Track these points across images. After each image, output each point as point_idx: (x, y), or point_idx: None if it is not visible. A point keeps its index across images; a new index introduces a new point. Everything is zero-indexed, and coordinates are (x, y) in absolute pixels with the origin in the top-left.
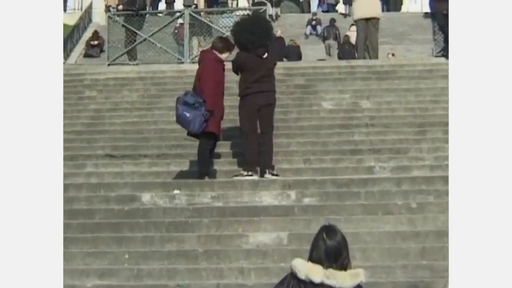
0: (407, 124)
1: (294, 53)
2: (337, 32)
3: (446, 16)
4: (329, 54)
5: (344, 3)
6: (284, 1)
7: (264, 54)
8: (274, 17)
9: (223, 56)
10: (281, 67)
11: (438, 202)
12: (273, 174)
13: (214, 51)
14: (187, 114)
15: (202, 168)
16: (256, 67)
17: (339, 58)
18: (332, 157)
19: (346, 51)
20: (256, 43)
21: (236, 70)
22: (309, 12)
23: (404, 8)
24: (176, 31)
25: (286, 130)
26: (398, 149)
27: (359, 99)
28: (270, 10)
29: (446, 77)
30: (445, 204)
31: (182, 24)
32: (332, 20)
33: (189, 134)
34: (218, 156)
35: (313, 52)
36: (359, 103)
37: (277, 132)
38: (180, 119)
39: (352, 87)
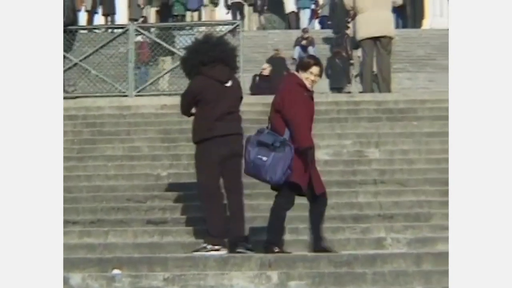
0: (429, 181)
1: (279, 66)
2: (347, 44)
3: None
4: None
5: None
6: (265, 12)
7: (227, 80)
8: (262, 26)
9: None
10: (258, 102)
11: None
12: (247, 248)
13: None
14: (264, 158)
15: (273, 236)
16: (218, 97)
17: (327, 76)
18: (328, 225)
19: (337, 66)
20: (212, 55)
21: (187, 106)
22: (298, 28)
23: (426, 24)
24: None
25: (265, 188)
26: (417, 215)
27: (365, 146)
28: (243, 25)
29: None
30: None
31: (142, 41)
32: (344, 27)
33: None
34: (174, 223)
35: None
36: (365, 152)
37: (253, 192)
38: (254, 166)
39: (356, 131)
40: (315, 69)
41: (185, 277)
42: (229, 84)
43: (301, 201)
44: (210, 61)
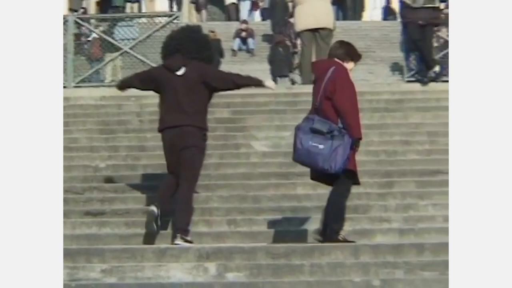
0: (368, 173)
1: (215, 48)
2: (291, 32)
3: (422, 27)
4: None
5: None
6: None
7: (178, 68)
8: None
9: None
10: None
11: (409, 278)
12: (186, 240)
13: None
14: (320, 146)
15: (338, 225)
16: (169, 86)
17: (270, 64)
18: (266, 217)
19: (279, 54)
20: (170, 48)
21: (129, 79)
22: (238, 19)
23: (366, 16)
24: (85, 46)
25: (205, 180)
26: (355, 206)
27: None
28: (186, 17)
29: (421, 109)
30: (418, 281)
31: (96, 38)
32: (286, 15)
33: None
34: (112, 214)
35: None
36: None
37: None
38: (307, 154)
39: (295, 122)
40: (357, 60)
41: (123, 269)
42: (181, 72)
43: (238, 192)
44: (168, 53)
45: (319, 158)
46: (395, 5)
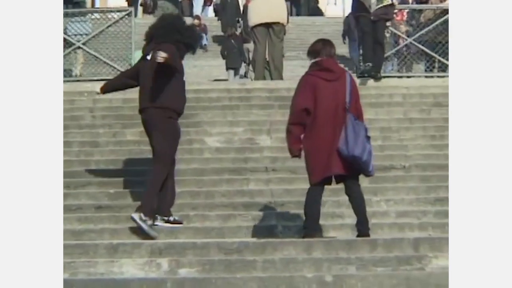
0: None
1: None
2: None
3: (375, 22)
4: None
5: None
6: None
7: (148, 53)
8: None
9: None
10: None
11: (362, 274)
12: (141, 219)
13: None
14: (371, 148)
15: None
16: (141, 72)
17: (223, 57)
18: (219, 213)
19: (232, 47)
20: (146, 37)
21: (124, 72)
22: (191, 15)
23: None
24: None
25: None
26: None
27: (256, 134)
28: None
29: (374, 105)
30: (371, 277)
31: None
32: (237, 15)
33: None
34: (65, 210)
35: (196, 70)
36: (257, 140)
37: (143, 179)
38: (367, 154)
39: (248, 118)
40: None
41: (75, 265)
42: (149, 57)
43: (191, 188)
44: (146, 43)
45: (371, 159)
46: (322, 5)
